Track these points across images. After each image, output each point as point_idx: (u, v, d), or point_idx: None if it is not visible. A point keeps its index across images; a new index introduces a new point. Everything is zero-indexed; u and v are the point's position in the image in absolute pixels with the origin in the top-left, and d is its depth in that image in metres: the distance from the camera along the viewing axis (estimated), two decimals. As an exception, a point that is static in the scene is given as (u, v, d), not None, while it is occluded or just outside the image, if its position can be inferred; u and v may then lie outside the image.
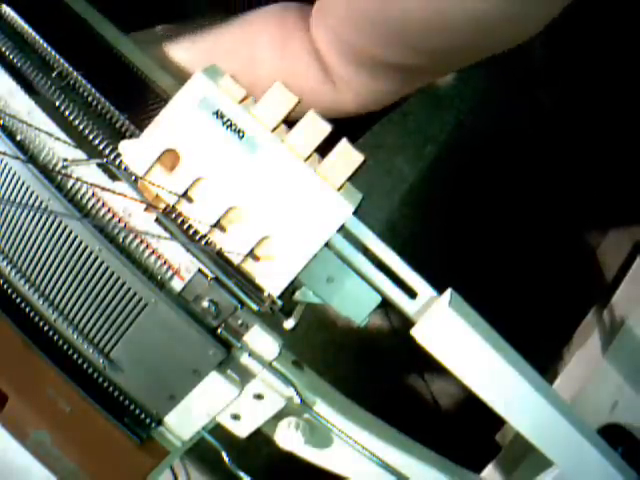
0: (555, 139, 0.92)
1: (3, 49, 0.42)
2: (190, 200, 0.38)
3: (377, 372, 0.90)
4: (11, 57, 0.41)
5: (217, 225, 0.38)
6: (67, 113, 0.40)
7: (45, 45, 0.42)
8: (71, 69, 0.42)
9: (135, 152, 0.38)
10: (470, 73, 0.99)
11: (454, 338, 0.38)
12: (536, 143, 0.93)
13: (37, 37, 0.43)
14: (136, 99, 0.45)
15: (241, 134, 0.37)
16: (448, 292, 0.39)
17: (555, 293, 0.86)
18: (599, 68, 0.85)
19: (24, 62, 0.41)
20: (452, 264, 0.89)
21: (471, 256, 0.92)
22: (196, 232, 0.38)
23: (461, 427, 0.86)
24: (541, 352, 0.49)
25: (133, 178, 0.38)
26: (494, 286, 0.86)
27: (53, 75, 0.42)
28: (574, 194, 0.92)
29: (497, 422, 0.42)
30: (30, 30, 0.43)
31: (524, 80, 0.95)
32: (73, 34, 0.46)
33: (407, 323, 0.40)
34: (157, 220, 0.38)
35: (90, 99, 0.42)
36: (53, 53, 0.42)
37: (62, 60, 0.42)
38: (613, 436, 0.56)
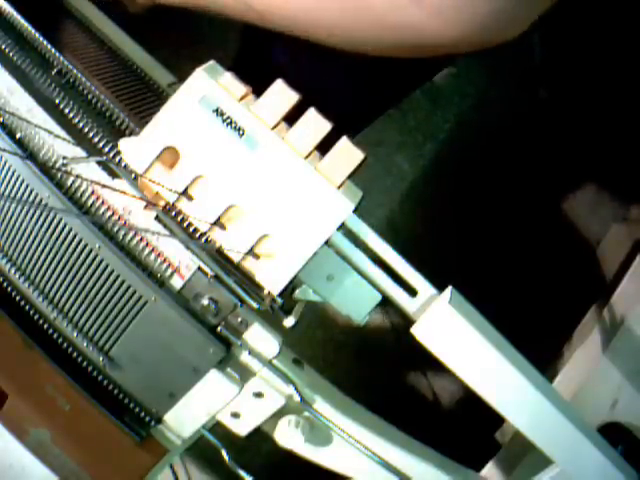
0: (556, 136, 0.92)
1: (3, 47, 0.41)
2: (190, 198, 0.37)
3: (377, 370, 0.90)
4: (11, 55, 0.41)
5: (217, 223, 0.38)
6: (67, 111, 0.40)
7: (45, 43, 0.42)
8: (71, 67, 0.42)
9: (135, 150, 0.38)
10: (470, 70, 0.98)
11: (454, 336, 0.38)
12: (536, 140, 0.93)
13: (37, 35, 0.43)
14: (136, 97, 0.45)
15: (241, 132, 0.37)
16: (448, 290, 0.39)
17: (555, 292, 0.86)
18: (598, 64, 0.85)
19: (24, 60, 0.41)
20: (453, 262, 0.89)
21: (472, 254, 0.92)
22: (196, 230, 0.38)
23: (461, 425, 0.86)
24: (541, 350, 0.49)
25: (133, 176, 0.38)
26: (494, 284, 0.86)
27: (53, 73, 0.42)
28: (575, 193, 0.92)
29: (497, 420, 0.42)
30: (30, 28, 0.43)
31: (524, 77, 0.95)
32: (72, 32, 0.46)
33: (407, 321, 0.39)
34: (157, 218, 0.38)
35: (90, 97, 0.42)
36: (53, 51, 0.42)
37: (62, 58, 0.42)
38: (613, 434, 0.56)
